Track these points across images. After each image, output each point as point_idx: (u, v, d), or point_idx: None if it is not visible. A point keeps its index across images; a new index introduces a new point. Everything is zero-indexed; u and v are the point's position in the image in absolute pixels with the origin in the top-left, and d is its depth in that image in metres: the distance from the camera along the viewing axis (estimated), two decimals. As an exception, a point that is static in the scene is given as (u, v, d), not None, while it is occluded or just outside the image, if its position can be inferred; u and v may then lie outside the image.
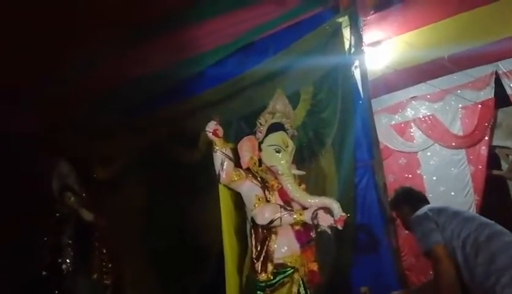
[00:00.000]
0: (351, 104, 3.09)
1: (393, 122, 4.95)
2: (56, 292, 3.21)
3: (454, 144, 4.60)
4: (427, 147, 4.76)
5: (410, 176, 4.74)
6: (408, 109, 4.84)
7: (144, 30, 3.11)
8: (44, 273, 3.28)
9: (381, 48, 3.75)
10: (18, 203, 3.74)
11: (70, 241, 3.26)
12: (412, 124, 4.85)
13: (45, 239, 3.36)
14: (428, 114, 4.76)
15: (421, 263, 3.93)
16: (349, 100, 3.09)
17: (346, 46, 3.13)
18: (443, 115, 4.67)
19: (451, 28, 3.60)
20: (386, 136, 4.80)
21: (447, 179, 4.58)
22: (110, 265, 3.24)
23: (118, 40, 3.21)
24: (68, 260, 3.21)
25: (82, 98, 3.64)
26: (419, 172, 4.75)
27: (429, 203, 2.38)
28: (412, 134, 4.86)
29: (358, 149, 3.00)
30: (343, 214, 2.15)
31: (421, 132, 4.81)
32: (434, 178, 4.66)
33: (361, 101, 3.10)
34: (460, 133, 4.59)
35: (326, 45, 3.08)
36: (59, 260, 3.22)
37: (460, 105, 4.57)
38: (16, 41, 2.90)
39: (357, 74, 3.20)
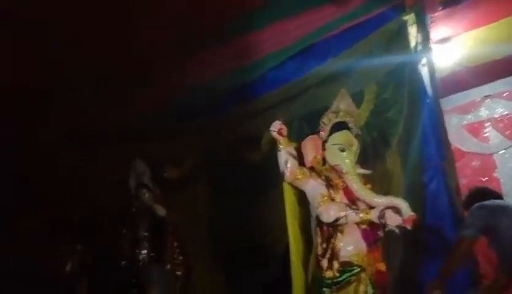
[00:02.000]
0: (418, 103, 3.01)
1: (465, 122, 4.65)
2: (134, 280, 3.49)
3: (535, 145, 4.22)
4: (505, 148, 4.41)
5: (486, 179, 4.40)
6: (482, 108, 4.52)
7: (209, 36, 3.32)
8: (123, 263, 3.60)
9: (450, 45, 3.58)
10: (97, 199, 4.15)
11: (146, 234, 3.54)
12: (487, 124, 4.51)
13: (124, 232, 3.68)
14: (505, 113, 4.41)
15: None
16: (416, 99, 3.01)
17: (413, 44, 3.05)
18: (521, 114, 4.31)
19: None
20: (458, 138, 4.52)
21: (527, 182, 4.20)
22: (181, 257, 3.46)
23: (185, 46, 3.45)
24: (144, 251, 3.49)
25: (154, 101, 3.95)
26: (495, 175, 4.40)
27: None
28: (487, 135, 4.52)
29: (427, 150, 2.90)
30: (412, 213, 2.12)
31: (497, 132, 4.46)
32: (513, 181, 4.30)
33: (428, 100, 3.00)
34: (543, 134, 4.20)
35: (391, 43, 3.04)
36: (136, 251, 3.51)
37: (541, 103, 4.19)
38: (98, 49, 3.26)
39: (424, 72, 3.10)
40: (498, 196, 2.34)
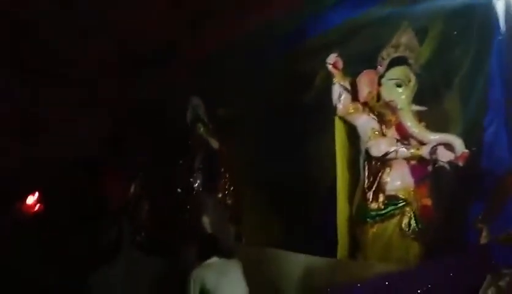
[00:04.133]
0: (488, 41, 2.77)
1: (541, 67, 4.22)
2: (188, 206, 3.80)
3: None
4: None
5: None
6: None
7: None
8: (179, 190, 3.91)
9: (535, -24, 3.18)
10: (159, 133, 4.45)
11: (200, 165, 3.78)
12: None
13: (181, 162, 3.96)
14: None
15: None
16: (486, 37, 2.77)
17: (487, -26, 2.77)
18: None
19: None
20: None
21: None
22: (232, 188, 3.68)
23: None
24: (198, 181, 3.75)
25: (214, 43, 4.05)
26: None
27: None
28: None
29: (491, 92, 2.72)
30: (466, 150, 2.06)
31: None
32: None
33: (500, 38, 2.76)
34: None
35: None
36: (191, 180, 3.78)
37: None
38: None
39: (499, 7, 2.83)
40: None
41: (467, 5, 2.82)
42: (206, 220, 3.62)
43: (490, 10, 2.78)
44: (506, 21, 2.75)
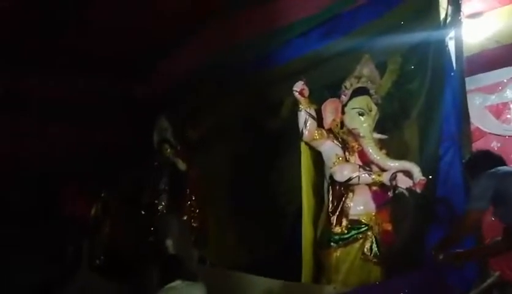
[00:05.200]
0: (442, 76, 2.99)
1: (488, 102, 4.52)
2: (152, 229, 3.71)
3: (560, 130, 4.13)
4: (527, 132, 4.34)
5: (503, 161, 4.38)
6: (508, 89, 4.42)
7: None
8: (143, 212, 3.81)
9: (482, 20, 3.49)
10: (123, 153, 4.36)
11: (166, 187, 3.72)
12: (511, 106, 4.44)
13: (146, 183, 3.87)
14: (532, 96, 4.31)
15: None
16: (440, 72, 2.99)
17: (442, 16, 3.01)
18: (550, 98, 4.20)
19: None
20: (479, 117, 4.42)
21: (547, 168, 4.14)
22: (198, 211, 3.64)
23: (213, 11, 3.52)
24: (163, 203, 3.69)
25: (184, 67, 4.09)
26: (514, 157, 4.37)
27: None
28: (510, 116, 4.46)
29: (446, 123, 2.90)
30: (423, 177, 2.19)
31: (520, 115, 4.39)
32: (532, 166, 4.25)
33: (452, 74, 2.98)
34: None
35: (420, 14, 3.00)
36: (156, 202, 3.71)
37: None
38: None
39: (451, 47, 3.07)
40: (502, 161, 2.30)
41: (423, 42, 3.05)
42: (169, 243, 3.53)
43: (443, 48, 3.02)
44: (457, 59, 2.99)
